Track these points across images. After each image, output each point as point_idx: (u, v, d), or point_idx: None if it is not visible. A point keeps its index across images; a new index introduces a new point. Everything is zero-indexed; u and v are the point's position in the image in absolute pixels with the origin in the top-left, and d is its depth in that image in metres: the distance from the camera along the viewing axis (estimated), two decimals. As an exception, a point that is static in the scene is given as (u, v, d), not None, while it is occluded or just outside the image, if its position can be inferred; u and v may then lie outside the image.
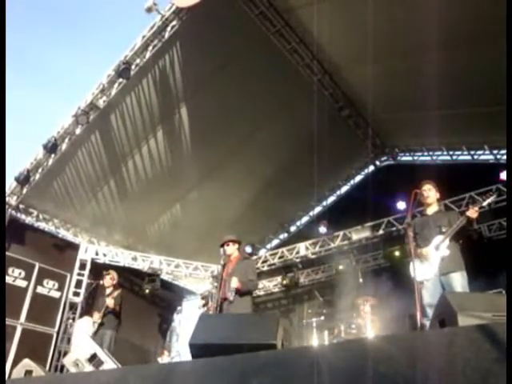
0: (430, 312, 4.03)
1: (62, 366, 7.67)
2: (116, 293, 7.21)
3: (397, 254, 9.11)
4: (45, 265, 9.05)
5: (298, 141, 9.97)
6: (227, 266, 5.37)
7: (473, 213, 4.29)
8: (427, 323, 3.89)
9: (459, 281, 4.22)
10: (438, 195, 4.82)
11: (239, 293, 4.98)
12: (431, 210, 4.77)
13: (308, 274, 11.41)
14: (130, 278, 10.87)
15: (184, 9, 7.60)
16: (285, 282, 11.00)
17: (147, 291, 10.89)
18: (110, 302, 6.96)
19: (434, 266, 4.35)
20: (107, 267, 9.93)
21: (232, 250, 5.45)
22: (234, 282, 4.97)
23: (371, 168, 12.36)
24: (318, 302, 9.43)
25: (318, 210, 12.83)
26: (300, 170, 10.15)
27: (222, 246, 5.47)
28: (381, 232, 9.56)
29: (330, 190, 12.59)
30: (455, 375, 1.75)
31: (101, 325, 6.94)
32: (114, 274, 7.55)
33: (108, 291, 7.29)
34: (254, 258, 11.10)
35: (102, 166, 9.54)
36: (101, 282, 7.82)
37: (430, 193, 4.74)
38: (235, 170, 10.49)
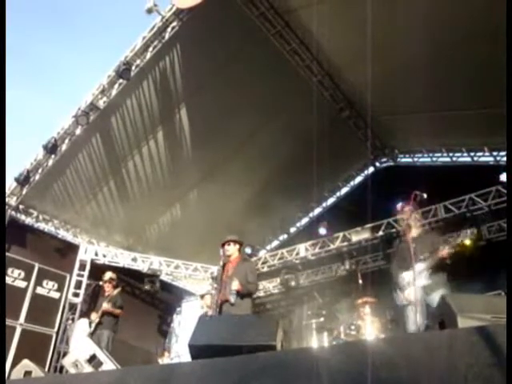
0: None
1: (62, 367, 7.66)
2: (115, 292, 7.25)
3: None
4: (44, 265, 9.03)
5: (298, 142, 9.96)
6: (227, 267, 5.34)
7: (445, 254, 4.37)
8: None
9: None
10: (417, 217, 4.85)
11: (240, 295, 4.98)
12: (412, 233, 4.77)
13: (308, 276, 11.41)
14: (129, 278, 10.86)
15: (184, 10, 7.60)
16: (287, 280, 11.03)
17: (147, 292, 10.90)
18: (105, 306, 7.03)
19: (416, 292, 4.42)
20: (107, 268, 9.96)
21: (232, 250, 5.39)
22: (235, 285, 4.95)
23: (371, 169, 12.37)
24: (317, 303, 9.42)
25: (317, 211, 12.84)
26: (300, 171, 10.14)
27: (223, 245, 5.44)
28: (380, 233, 9.57)
29: (330, 191, 12.59)
30: (456, 377, 1.75)
31: (99, 324, 6.98)
32: (112, 275, 7.60)
33: (107, 293, 7.34)
34: (254, 259, 11.10)
35: (102, 166, 9.54)
36: (100, 283, 7.86)
37: (408, 222, 4.78)
38: (235, 171, 10.49)
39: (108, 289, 7.44)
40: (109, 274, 7.64)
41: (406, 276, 4.58)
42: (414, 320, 4.39)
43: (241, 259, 5.47)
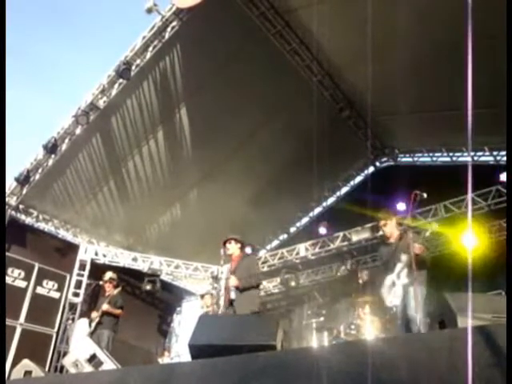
0: None
1: (62, 367, 7.68)
2: (116, 291, 7.26)
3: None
4: (44, 265, 9.03)
5: (298, 142, 9.97)
6: (230, 265, 5.38)
7: (417, 250, 4.47)
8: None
9: (415, 293, 4.46)
10: (394, 221, 4.97)
11: (240, 289, 5.03)
12: (392, 238, 4.97)
13: (308, 275, 11.41)
14: (129, 278, 10.85)
15: (184, 9, 7.60)
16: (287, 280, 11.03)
17: (147, 292, 10.90)
18: (105, 306, 7.04)
19: (398, 292, 4.64)
20: (107, 268, 9.95)
21: (233, 249, 5.40)
22: (233, 281, 5.04)
23: (371, 169, 12.37)
24: (317, 302, 9.43)
25: (317, 210, 12.83)
26: (300, 171, 10.14)
27: (224, 243, 5.43)
28: (381, 233, 9.55)
29: (330, 190, 12.58)
30: (456, 377, 1.75)
31: (99, 324, 6.99)
32: (112, 275, 7.61)
33: (107, 293, 7.35)
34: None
35: (102, 166, 9.53)
36: (100, 283, 7.87)
37: (385, 229, 4.98)
38: (235, 171, 10.49)
39: (108, 289, 7.45)
40: (109, 274, 7.64)
41: (389, 278, 4.77)
42: (402, 321, 4.58)
43: (242, 257, 5.48)
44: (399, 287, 4.62)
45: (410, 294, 4.52)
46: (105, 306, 7.04)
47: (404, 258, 4.63)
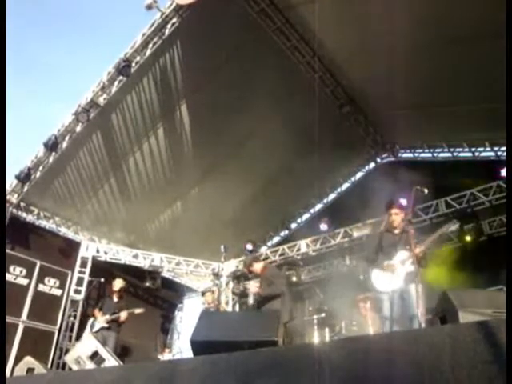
0: (385, 326, 4.43)
1: (64, 364, 7.71)
2: (137, 311, 7.41)
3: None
4: (46, 263, 9.06)
5: (299, 138, 9.95)
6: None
7: (418, 251, 4.46)
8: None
9: (417, 288, 4.43)
10: (402, 215, 4.97)
11: (260, 297, 5.25)
12: (397, 229, 4.96)
13: (309, 271, 11.42)
14: (131, 275, 10.86)
15: (184, 6, 7.58)
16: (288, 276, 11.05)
17: (148, 288, 10.92)
18: (124, 315, 7.15)
19: (399, 278, 4.56)
20: (108, 265, 9.98)
21: (257, 267, 5.93)
22: (252, 287, 5.27)
23: (372, 165, 12.35)
24: (318, 298, 9.42)
25: (318, 207, 12.84)
26: (301, 167, 10.15)
27: (249, 271, 5.96)
28: (381, 229, 9.54)
29: (331, 187, 12.58)
30: (458, 372, 1.75)
31: (107, 328, 7.08)
32: (124, 284, 7.73)
33: (117, 300, 7.44)
34: (257, 254, 11.14)
35: (103, 163, 9.53)
36: (102, 280, 7.91)
37: (396, 217, 4.93)
38: (236, 168, 10.48)
39: (117, 296, 7.55)
40: (120, 284, 7.72)
41: (391, 262, 4.72)
42: (389, 307, 4.54)
43: (265, 268, 5.93)
44: (402, 273, 4.57)
45: (410, 287, 4.48)
46: (124, 315, 7.25)
47: (408, 250, 4.60)
